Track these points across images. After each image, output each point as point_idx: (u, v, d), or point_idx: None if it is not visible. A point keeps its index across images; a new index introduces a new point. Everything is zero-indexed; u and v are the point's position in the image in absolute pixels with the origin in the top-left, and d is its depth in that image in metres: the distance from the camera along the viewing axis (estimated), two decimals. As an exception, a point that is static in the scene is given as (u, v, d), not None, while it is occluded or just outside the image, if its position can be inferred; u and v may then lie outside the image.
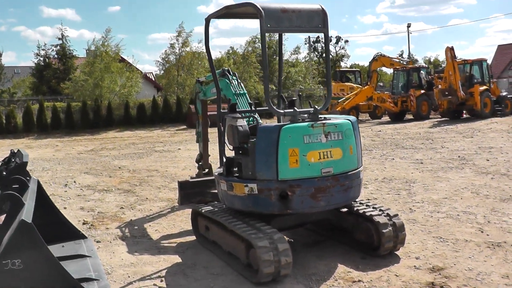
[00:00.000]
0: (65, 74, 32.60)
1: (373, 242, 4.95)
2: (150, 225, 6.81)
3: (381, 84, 31.70)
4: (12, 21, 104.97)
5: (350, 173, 4.81)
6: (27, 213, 4.05)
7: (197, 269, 4.98)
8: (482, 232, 5.68)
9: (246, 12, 5.00)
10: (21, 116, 24.71)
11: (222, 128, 5.36)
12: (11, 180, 5.55)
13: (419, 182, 8.62)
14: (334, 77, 28.77)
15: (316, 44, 60.58)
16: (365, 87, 23.48)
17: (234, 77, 6.78)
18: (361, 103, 23.78)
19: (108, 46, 27.84)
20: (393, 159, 11.45)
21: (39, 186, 5.81)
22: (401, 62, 24.99)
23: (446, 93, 20.00)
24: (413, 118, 22.65)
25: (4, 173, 7.63)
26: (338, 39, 62.00)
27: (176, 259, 5.34)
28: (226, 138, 5.22)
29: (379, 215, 4.97)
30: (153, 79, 42.58)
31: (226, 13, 5.16)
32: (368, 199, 7.50)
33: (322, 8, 4.85)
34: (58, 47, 35.10)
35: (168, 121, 27.51)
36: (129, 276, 4.88)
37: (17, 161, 8.12)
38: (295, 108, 4.85)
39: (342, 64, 62.09)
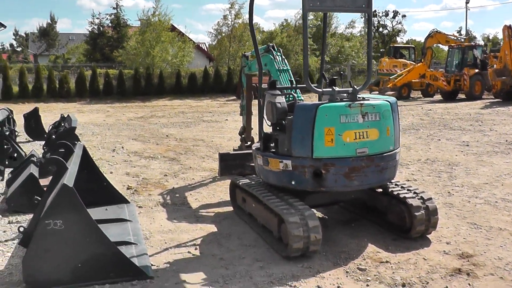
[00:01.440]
0: (118, 42, 33.39)
1: (405, 224, 4.98)
2: (191, 194, 7.06)
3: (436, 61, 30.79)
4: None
5: (385, 154, 4.82)
6: (69, 177, 4.31)
7: (231, 239, 5.17)
8: (518, 220, 5.59)
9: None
10: (74, 82, 25.57)
11: (262, 103, 5.45)
12: (57, 145, 5.89)
13: (462, 165, 8.47)
14: (388, 53, 28.17)
15: (372, 18, 58.99)
16: (418, 64, 22.84)
17: (278, 53, 6.84)
18: (413, 81, 23.19)
19: (159, 15, 28.21)
20: (439, 140, 11.24)
21: (85, 151, 6.10)
22: (457, 39, 24.10)
23: (501, 73, 19.20)
24: (465, 98, 21.95)
25: (53, 136, 8.12)
26: (396, 13, 59.97)
27: (212, 228, 5.56)
28: (265, 113, 5.32)
29: (412, 197, 4.98)
30: (206, 49, 42.88)
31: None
32: (408, 180, 7.48)
33: None
34: (113, 16, 35.93)
35: (219, 91, 27.77)
36: (166, 242, 5.12)
37: (65, 126, 8.60)
38: (334, 87, 4.87)
39: (399, 39, 60.24)
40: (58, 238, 4.06)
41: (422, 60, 23.00)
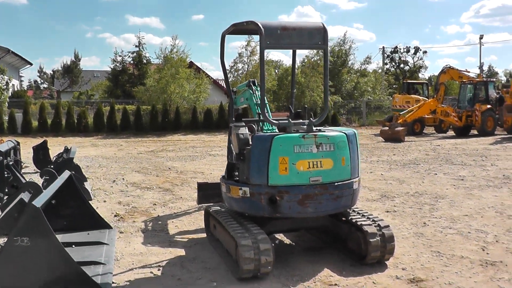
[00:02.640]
0: (139, 79, 34.47)
1: (361, 251, 5.13)
2: (173, 221, 7.32)
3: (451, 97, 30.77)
4: (98, 28, 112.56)
5: (340, 183, 5.02)
6: (39, 199, 4.66)
7: (196, 262, 5.40)
8: (483, 250, 5.67)
9: (251, 29, 5.34)
10: (92, 117, 26.45)
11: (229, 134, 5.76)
12: (43, 172, 6.28)
13: (449, 198, 8.54)
14: (401, 88, 28.40)
15: (393, 54, 59.42)
16: (429, 100, 22.98)
17: (257, 88, 7.17)
18: (426, 116, 23.29)
19: (176, 53, 29.15)
20: (436, 174, 11.30)
21: (71, 180, 6.44)
22: (470, 75, 24.18)
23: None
24: (477, 134, 21.90)
25: (51, 166, 8.55)
26: (417, 49, 60.32)
27: (181, 252, 5.80)
28: (232, 144, 5.63)
29: (369, 225, 5.15)
30: (224, 85, 43.77)
31: (234, 29, 5.53)
32: (387, 211, 7.61)
33: (323, 26, 5.12)
34: (135, 53, 37.25)
35: (234, 127, 28.18)
36: (133, 264, 5.39)
37: (64, 157, 9.05)
38: (289, 119, 5.15)
39: (420, 75, 60.35)
40: (25, 254, 4.36)
41: (435, 96, 23.12)
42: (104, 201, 8.71)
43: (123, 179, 11.22)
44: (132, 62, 37.56)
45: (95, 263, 5.22)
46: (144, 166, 13.57)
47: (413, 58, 60.75)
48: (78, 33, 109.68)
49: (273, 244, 5.13)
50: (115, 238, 6.31)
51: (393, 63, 59.85)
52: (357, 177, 5.27)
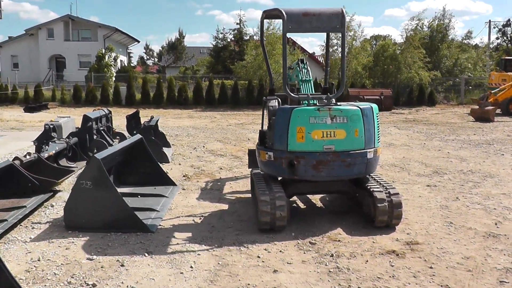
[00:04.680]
0: (240, 55, 36.06)
1: (371, 215, 5.81)
2: (230, 183, 8.39)
3: None
4: (208, 5, 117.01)
5: (352, 152, 5.72)
6: (101, 153, 5.93)
7: (233, 215, 6.42)
8: (495, 224, 6.01)
9: (277, 15, 6.09)
10: (191, 91, 28.40)
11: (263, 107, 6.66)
12: (114, 134, 7.62)
13: (498, 178, 8.70)
14: (498, 65, 27.03)
15: (505, 28, 55.50)
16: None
17: (304, 66, 7.92)
18: (525, 96, 22.08)
19: (273, 30, 30.05)
20: (503, 154, 11.26)
21: (143, 144, 7.69)
22: None
23: None
24: None
25: (135, 131, 10.00)
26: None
27: (224, 207, 6.84)
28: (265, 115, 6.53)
29: (379, 191, 5.79)
30: (322, 61, 44.07)
31: (267, 15, 6.37)
32: (428, 185, 8.05)
33: (342, 11, 5.78)
34: (235, 31, 38.95)
35: (327, 101, 28.71)
36: (182, 213, 6.53)
37: (145, 124, 10.51)
38: (308, 94, 5.91)
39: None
40: (88, 195, 5.67)
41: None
42: (179, 164, 10.01)
43: (203, 146, 12.49)
44: (233, 39, 39.32)
45: (150, 209, 6.46)
46: (227, 136, 14.79)
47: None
48: (188, 11, 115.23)
49: (289, 202, 5.98)
50: (175, 193, 7.53)
51: (505, 38, 55.90)
52: (373, 147, 5.89)
